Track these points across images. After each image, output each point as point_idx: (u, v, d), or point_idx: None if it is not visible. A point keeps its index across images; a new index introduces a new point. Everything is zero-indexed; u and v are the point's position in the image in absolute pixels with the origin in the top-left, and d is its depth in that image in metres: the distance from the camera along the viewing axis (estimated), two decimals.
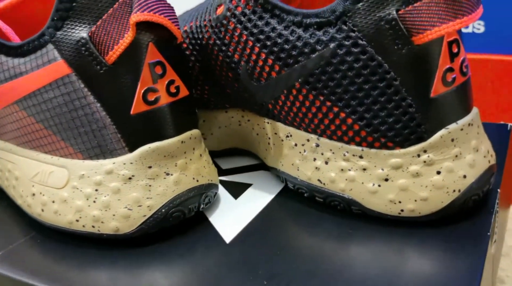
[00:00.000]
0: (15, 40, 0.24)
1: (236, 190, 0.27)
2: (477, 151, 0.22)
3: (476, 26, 0.42)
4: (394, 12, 0.20)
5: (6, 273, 0.22)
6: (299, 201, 0.25)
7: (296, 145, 0.25)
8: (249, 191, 0.27)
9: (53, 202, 0.23)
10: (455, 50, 0.21)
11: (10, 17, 0.25)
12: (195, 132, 0.24)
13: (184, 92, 0.23)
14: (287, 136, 0.25)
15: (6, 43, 0.23)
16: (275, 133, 0.26)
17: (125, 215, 0.22)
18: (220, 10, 0.24)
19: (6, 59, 0.23)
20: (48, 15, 0.26)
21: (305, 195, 0.25)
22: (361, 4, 0.20)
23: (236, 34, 0.23)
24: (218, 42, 0.25)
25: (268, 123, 0.26)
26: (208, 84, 0.27)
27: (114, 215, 0.22)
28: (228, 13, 0.23)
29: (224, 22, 0.24)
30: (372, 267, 0.20)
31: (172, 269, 0.22)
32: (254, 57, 0.23)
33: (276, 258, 0.21)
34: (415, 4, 0.19)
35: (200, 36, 0.26)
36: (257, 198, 0.26)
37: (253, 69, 0.24)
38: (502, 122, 0.31)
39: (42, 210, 0.24)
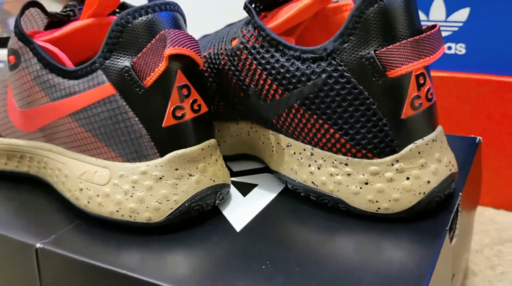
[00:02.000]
0: (68, 63, 0.29)
1: (245, 189, 0.33)
2: (439, 161, 0.27)
3: (458, 48, 0.47)
4: (373, 52, 0.25)
5: (59, 251, 0.28)
6: (297, 199, 0.31)
7: (294, 153, 0.30)
8: (255, 190, 0.33)
9: (98, 196, 0.29)
10: (421, 81, 0.26)
11: (63, 44, 0.31)
12: (212, 141, 0.30)
13: (204, 109, 0.29)
14: (288, 146, 0.30)
15: (63, 68, 0.28)
16: (278, 143, 0.31)
17: (156, 208, 0.28)
18: (235, 43, 0.29)
19: (63, 81, 0.28)
20: (90, 44, 0.32)
21: (301, 194, 0.31)
22: (346, 45, 0.25)
23: (248, 63, 0.29)
24: (232, 68, 0.30)
25: (272, 134, 0.31)
26: (223, 101, 0.33)
27: (147, 207, 0.28)
28: (241, 46, 0.29)
29: (238, 52, 0.29)
30: (353, 255, 0.26)
31: (191, 252, 0.27)
32: (261, 82, 0.29)
33: (277, 245, 0.27)
34: (388, 47, 0.25)
35: (217, 62, 0.31)
36: (262, 196, 0.32)
37: (260, 91, 0.29)
38: (472, 135, 0.37)
39: (88, 202, 0.29)
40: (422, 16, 0.48)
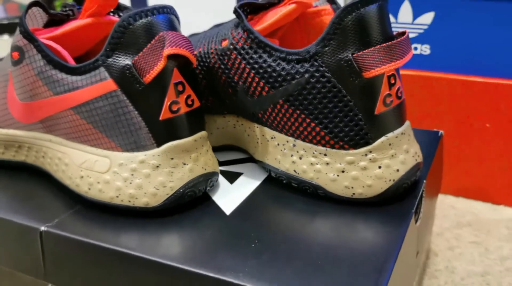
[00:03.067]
0: (69, 60, 0.32)
1: (231, 177, 0.36)
2: (407, 152, 0.31)
3: (423, 49, 0.51)
4: (350, 55, 0.28)
5: (63, 233, 0.30)
6: (279, 186, 0.34)
7: (278, 144, 0.33)
8: (241, 178, 0.36)
9: (98, 183, 0.31)
10: (392, 81, 0.30)
11: (63, 41, 0.33)
12: (203, 133, 0.32)
13: (196, 103, 0.32)
14: (272, 138, 0.33)
15: (66, 65, 0.31)
16: (263, 135, 0.34)
17: (153, 193, 0.31)
18: (225, 43, 0.32)
19: (66, 76, 0.31)
20: (89, 41, 0.34)
21: (284, 181, 0.34)
22: (327, 48, 0.29)
23: (237, 62, 0.32)
24: (222, 66, 0.33)
25: (257, 127, 0.34)
26: (212, 96, 0.36)
27: (145, 193, 0.31)
28: (231, 47, 0.32)
29: (228, 52, 0.32)
30: (331, 234, 0.29)
31: (186, 233, 0.30)
32: (249, 80, 0.32)
33: (264, 226, 0.30)
34: (365, 51, 0.28)
35: (208, 61, 0.34)
36: (248, 184, 0.35)
37: (248, 88, 0.32)
38: (435, 129, 0.41)
39: (89, 189, 0.32)
40: (391, 18, 0.52)
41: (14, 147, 0.37)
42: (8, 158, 0.38)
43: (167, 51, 0.29)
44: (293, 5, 0.33)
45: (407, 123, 0.31)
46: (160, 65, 0.29)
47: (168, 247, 0.29)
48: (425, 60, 0.51)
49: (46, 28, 0.34)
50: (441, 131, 0.40)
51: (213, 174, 0.33)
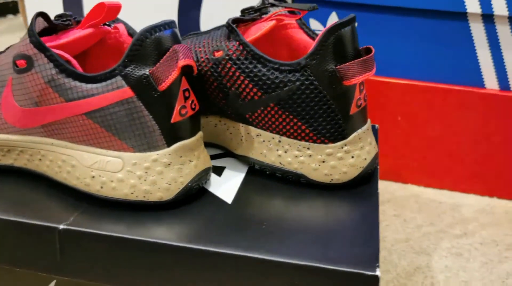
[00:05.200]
0: (78, 68, 0.34)
1: (217, 171, 0.40)
2: (370, 144, 0.38)
3: None
4: (334, 67, 0.35)
5: (82, 230, 0.33)
6: (264, 176, 0.39)
7: (264, 141, 0.38)
8: (226, 171, 0.40)
9: (111, 181, 0.34)
10: (361, 88, 0.37)
11: (67, 49, 0.35)
12: (201, 133, 0.37)
13: (197, 107, 0.36)
14: (257, 135, 0.39)
15: (82, 73, 0.33)
16: (248, 133, 0.39)
17: (166, 188, 0.34)
18: (219, 54, 0.37)
19: (80, 84, 0.33)
20: (84, 46, 0.37)
21: (267, 172, 0.39)
22: (315, 61, 0.35)
23: (231, 71, 0.37)
24: (215, 74, 0.37)
25: (242, 126, 0.39)
26: (200, 99, 0.40)
27: (159, 188, 0.34)
28: (227, 57, 0.36)
29: (223, 62, 0.37)
30: (319, 212, 0.36)
31: (197, 220, 0.34)
32: (243, 86, 0.37)
33: (264, 211, 0.35)
34: (346, 63, 0.35)
35: (200, 68, 0.38)
36: (234, 176, 0.40)
37: (240, 93, 0.37)
38: (372, 123, 0.49)
39: (101, 187, 0.34)
40: (319, 26, 0.59)
41: (1, 152, 0.38)
42: None
43: (182, 62, 0.33)
44: (273, 21, 0.38)
45: (369, 121, 0.39)
46: (174, 75, 0.33)
47: (183, 233, 0.33)
48: None
49: (46, 36, 0.35)
50: (377, 125, 0.49)
51: (210, 169, 0.37)
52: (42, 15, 0.34)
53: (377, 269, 0.30)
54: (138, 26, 0.65)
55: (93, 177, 0.35)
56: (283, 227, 0.34)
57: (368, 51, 0.36)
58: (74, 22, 0.36)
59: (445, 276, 0.48)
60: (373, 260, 0.31)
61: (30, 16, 0.64)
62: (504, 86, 0.57)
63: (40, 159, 0.37)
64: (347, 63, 0.35)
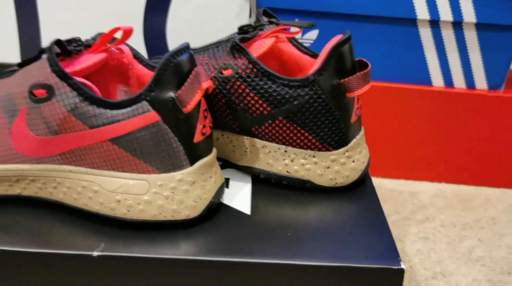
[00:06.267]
0: (99, 94, 0.34)
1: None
2: (365, 148, 0.42)
3: None
4: (338, 80, 0.38)
5: (116, 254, 0.33)
6: (270, 185, 0.42)
7: (270, 151, 0.41)
8: (232, 183, 0.42)
9: (138, 204, 0.35)
10: (359, 98, 0.40)
11: (85, 74, 0.35)
12: (215, 149, 0.38)
13: (212, 124, 0.37)
14: (263, 147, 0.41)
15: (107, 100, 0.33)
16: (253, 145, 0.41)
17: (193, 206, 0.35)
18: (228, 72, 0.38)
19: (105, 111, 0.33)
20: (94, 67, 0.37)
21: (273, 181, 0.42)
22: (321, 76, 0.38)
23: (241, 88, 0.38)
24: (224, 91, 0.39)
25: (246, 139, 0.41)
26: None
27: (186, 206, 0.35)
28: (236, 75, 0.38)
29: (232, 80, 0.38)
30: (332, 213, 0.39)
31: (223, 234, 0.36)
32: (253, 102, 0.38)
33: (283, 218, 0.38)
34: (349, 77, 0.38)
35: None
36: (242, 186, 0.42)
37: (249, 108, 0.39)
38: None
39: (128, 211, 0.35)
40: None
41: (9, 182, 0.37)
42: None
43: (205, 84, 0.34)
44: (273, 39, 0.41)
45: (363, 127, 0.42)
46: (198, 97, 0.34)
47: (215, 247, 0.34)
48: None
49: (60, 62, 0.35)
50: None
51: (224, 183, 0.39)
52: (58, 43, 0.34)
53: (401, 262, 0.34)
54: (103, 28, 0.64)
55: (119, 201, 0.35)
56: (303, 231, 0.36)
57: (363, 64, 0.40)
58: (83, 46, 0.36)
59: (419, 259, 0.53)
60: (395, 254, 0.35)
61: None
62: (448, 83, 0.64)
63: (55, 187, 0.36)
64: (350, 77, 0.38)
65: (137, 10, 0.59)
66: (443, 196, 0.65)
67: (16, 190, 0.37)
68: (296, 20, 0.62)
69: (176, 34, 0.60)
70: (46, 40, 0.61)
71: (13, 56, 0.62)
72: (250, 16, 0.60)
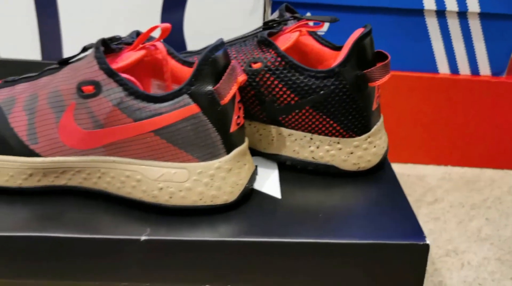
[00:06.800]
0: (142, 88, 0.36)
1: None
2: (385, 134, 0.45)
3: None
4: (360, 71, 0.40)
5: (163, 238, 0.36)
6: (296, 171, 0.44)
7: (296, 139, 0.43)
8: (260, 169, 0.45)
9: (180, 191, 0.37)
10: (379, 87, 0.43)
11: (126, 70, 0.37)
12: (247, 138, 0.41)
13: (243, 115, 0.40)
14: (289, 135, 0.43)
15: (151, 94, 0.35)
16: (279, 134, 0.44)
17: (230, 191, 0.38)
18: (257, 66, 0.41)
19: (148, 104, 0.35)
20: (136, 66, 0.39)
21: (298, 167, 0.44)
22: (346, 67, 0.40)
23: (270, 80, 0.41)
24: (253, 83, 0.41)
25: (273, 128, 0.44)
26: None
27: (224, 192, 0.38)
28: (266, 68, 0.40)
29: (262, 72, 0.41)
30: (350, 199, 0.41)
31: (260, 217, 0.38)
32: (281, 93, 0.41)
33: (312, 200, 0.40)
34: (371, 68, 0.40)
35: None
36: (269, 173, 0.44)
37: (278, 99, 0.41)
38: None
39: (170, 197, 0.37)
40: None
41: (55, 173, 0.39)
42: (45, 184, 0.39)
43: (241, 78, 0.36)
44: (297, 33, 0.43)
45: (382, 115, 0.45)
46: (234, 89, 0.36)
47: (254, 229, 0.37)
48: None
49: None
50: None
51: (256, 169, 0.41)
52: (104, 42, 0.36)
53: (426, 238, 0.37)
54: (121, 25, 0.67)
55: (161, 188, 0.37)
56: (332, 213, 0.39)
57: (382, 55, 0.42)
58: (123, 44, 0.38)
59: (432, 238, 0.56)
60: (420, 231, 0.37)
61: None
62: (454, 71, 0.67)
63: (99, 177, 0.39)
64: (372, 68, 0.40)
65: (155, 6, 0.61)
66: (449, 178, 0.68)
67: (62, 181, 0.39)
68: (308, 13, 0.64)
69: (193, 30, 0.62)
70: (66, 37, 0.63)
71: (34, 53, 0.63)
72: (265, 11, 0.62)
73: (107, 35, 0.38)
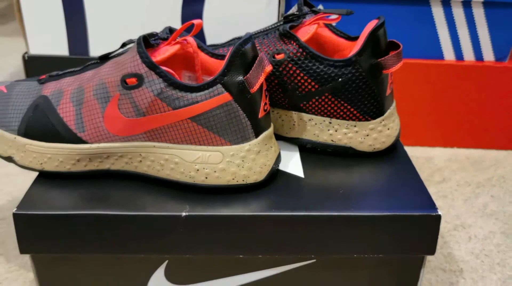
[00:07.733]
0: (179, 79, 0.40)
1: None
2: (397, 117, 0.48)
3: None
4: (375, 59, 0.44)
5: (202, 214, 0.40)
6: (316, 153, 0.48)
7: (316, 124, 0.47)
8: (283, 152, 0.48)
9: (215, 171, 0.41)
10: (392, 74, 0.46)
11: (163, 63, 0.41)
12: (272, 123, 0.44)
13: (269, 102, 0.43)
14: (310, 120, 0.47)
15: (188, 84, 0.39)
16: (300, 119, 0.47)
17: (259, 171, 0.42)
18: (280, 57, 0.44)
19: (185, 94, 0.39)
20: (178, 62, 0.43)
21: (318, 149, 0.48)
22: (362, 57, 0.44)
23: (292, 69, 0.44)
24: (277, 73, 0.45)
25: (295, 114, 0.47)
26: None
27: (254, 172, 0.42)
28: (288, 59, 0.44)
29: (285, 63, 0.44)
30: (367, 177, 0.45)
31: (288, 194, 0.42)
32: (302, 81, 0.45)
33: (332, 179, 0.44)
34: (385, 57, 0.44)
35: None
36: (291, 155, 0.48)
37: (299, 86, 0.45)
38: None
39: (206, 178, 0.41)
40: None
41: (100, 158, 0.43)
42: (90, 168, 0.43)
43: (268, 68, 0.40)
44: (316, 25, 0.47)
45: (394, 99, 0.49)
46: (262, 78, 0.40)
47: (283, 204, 0.41)
48: None
49: None
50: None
51: (280, 151, 0.45)
52: (145, 38, 0.40)
53: (438, 210, 0.41)
54: (143, 19, 0.70)
55: (197, 170, 0.41)
56: (352, 189, 0.43)
57: (394, 44, 0.46)
58: (160, 39, 0.42)
59: (441, 214, 0.60)
60: (432, 204, 0.41)
61: (27, 21, 0.66)
62: (459, 57, 0.70)
63: (140, 161, 0.42)
64: (386, 57, 0.44)
65: (176, 1, 0.65)
66: (456, 159, 0.72)
67: (105, 165, 0.43)
68: (320, 5, 0.68)
69: (213, 24, 0.66)
70: (91, 33, 0.66)
71: (62, 49, 0.67)
72: (279, 3, 0.66)
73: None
